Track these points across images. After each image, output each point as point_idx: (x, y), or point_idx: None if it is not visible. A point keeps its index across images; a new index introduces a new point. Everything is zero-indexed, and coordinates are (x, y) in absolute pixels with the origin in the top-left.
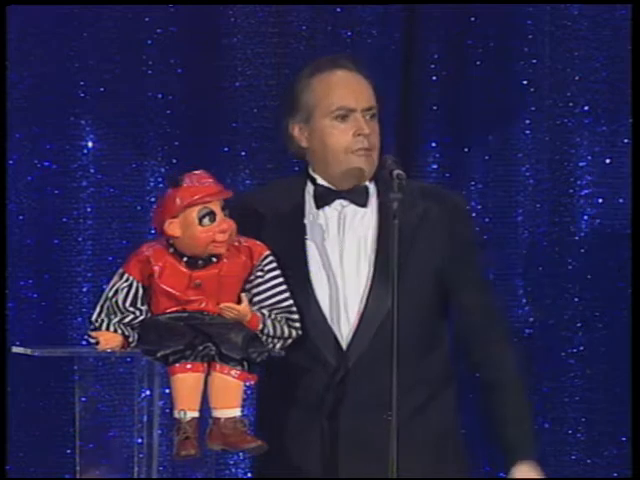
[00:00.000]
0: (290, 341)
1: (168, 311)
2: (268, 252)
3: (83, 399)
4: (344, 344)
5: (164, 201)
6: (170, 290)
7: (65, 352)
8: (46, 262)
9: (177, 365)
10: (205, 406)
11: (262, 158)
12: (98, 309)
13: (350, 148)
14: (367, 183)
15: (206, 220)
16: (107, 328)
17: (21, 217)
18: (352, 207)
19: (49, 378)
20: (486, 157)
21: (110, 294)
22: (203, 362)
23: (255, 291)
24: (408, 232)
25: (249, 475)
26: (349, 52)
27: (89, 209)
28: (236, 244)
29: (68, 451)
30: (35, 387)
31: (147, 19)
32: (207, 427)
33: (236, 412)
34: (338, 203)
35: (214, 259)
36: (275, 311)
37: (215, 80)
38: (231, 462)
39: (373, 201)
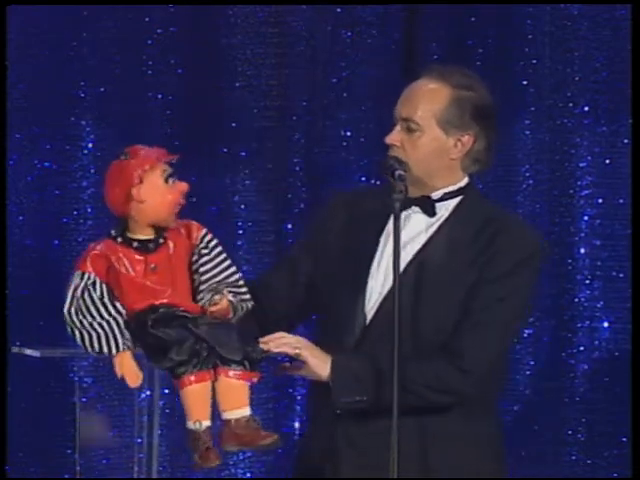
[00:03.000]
0: (241, 315)
1: (143, 304)
2: (205, 230)
3: (83, 399)
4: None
5: (119, 174)
6: (133, 278)
7: (65, 352)
8: (46, 262)
9: (184, 378)
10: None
11: (262, 158)
12: (74, 313)
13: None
14: (436, 195)
15: (170, 180)
16: (117, 350)
17: (21, 217)
18: (419, 215)
19: (49, 378)
20: None
21: (78, 293)
22: (209, 369)
23: (203, 269)
24: (457, 248)
25: (248, 475)
26: (348, 51)
27: (89, 209)
28: (173, 226)
29: (68, 451)
30: (35, 387)
31: (147, 19)
32: (218, 430)
33: (246, 411)
34: (412, 209)
35: (161, 240)
36: (224, 286)
37: (215, 80)
38: (231, 462)
39: (447, 214)
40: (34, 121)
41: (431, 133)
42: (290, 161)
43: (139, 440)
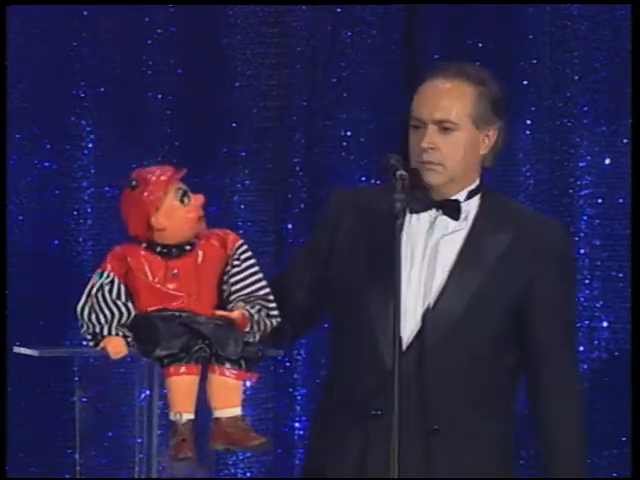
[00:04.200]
0: (268, 331)
1: (154, 308)
2: (241, 241)
3: (83, 399)
4: (404, 345)
5: (134, 206)
6: (150, 282)
7: (65, 352)
8: (46, 262)
9: (172, 368)
10: (205, 409)
11: (262, 158)
12: (87, 311)
13: (417, 159)
14: (461, 196)
15: (186, 200)
16: (109, 332)
17: (21, 217)
18: (444, 218)
19: (49, 378)
20: None
21: (93, 291)
22: (197, 364)
23: (232, 280)
24: (490, 260)
25: (248, 475)
26: (348, 51)
27: (89, 209)
28: (208, 233)
29: (68, 451)
30: (35, 387)
31: (147, 19)
32: (209, 429)
33: (237, 411)
34: (433, 211)
35: (187, 247)
36: (252, 301)
37: (215, 80)
38: (230, 462)
39: (471, 214)
40: (34, 121)
41: (466, 130)
42: (290, 161)
43: (139, 440)
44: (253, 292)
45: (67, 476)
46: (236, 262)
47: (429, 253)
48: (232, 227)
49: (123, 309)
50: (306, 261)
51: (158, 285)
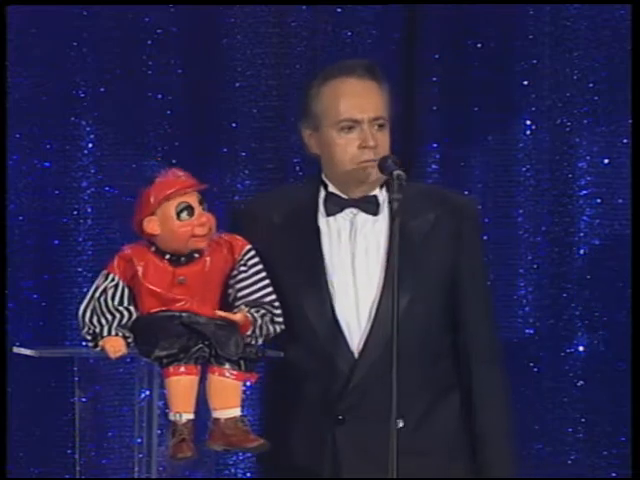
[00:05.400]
0: (271, 337)
1: (157, 310)
2: (249, 246)
3: (83, 399)
4: (356, 352)
5: (140, 200)
6: (154, 288)
7: (65, 352)
8: (46, 262)
9: (171, 368)
10: (205, 409)
11: (262, 158)
12: (89, 313)
13: (356, 160)
14: (377, 191)
15: (184, 214)
16: (109, 333)
17: (21, 217)
18: (363, 215)
19: (49, 378)
20: (486, 157)
21: (97, 294)
22: (197, 364)
23: (239, 286)
24: (419, 239)
25: (248, 475)
26: (348, 51)
27: (89, 209)
28: (216, 239)
29: (68, 451)
30: (35, 387)
31: (147, 19)
32: (208, 429)
33: (236, 412)
34: (349, 211)
35: (196, 255)
36: (258, 306)
37: (215, 80)
38: (231, 462)
39: (385, 208)
40: (34, 121)
41: (388, 125)
42: (290, 161)
43: (139, 440)
44: (260, 298)
45: (67, 476)
46: (243, 267)
47: (357, 255)
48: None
49: (125, 312)
50: None
51: (163, 292)
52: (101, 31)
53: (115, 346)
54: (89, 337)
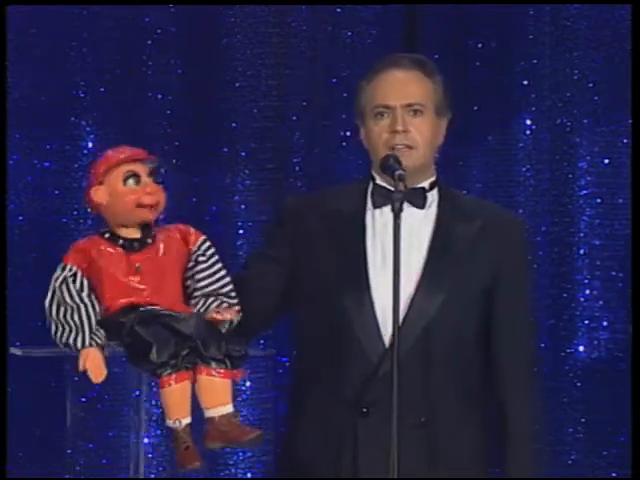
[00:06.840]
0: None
1: (123, 302)
2: (204, 237)
3: (83, 399)
4: (387, 342)
5: (89, 172)
6: (113, 275)
7: (64, 352)
8: (46, 262)
9: (164, 378)
10: (197, 410)
11: (262, 158)
12: (54, 308)
13: (388, 144)
14: (426, 184)
15: (130, 181)
16: (83, 344)
17: (21, 217)
18: (410, 208)
19: (49, 378)
20: (486, 157)
21: (57, 284)
22: (188, 369)
23: (198, 277)
24: (463, 243)
25: (248, 475)
26: (348, 51)
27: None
28: (170, 227)
29: (68, 451)
30: (35, 387)
31: (147, 19)
32: (202, 430)
33: (229, 408)
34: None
35: (149, 240)
36: (215, 297)
37: (215, 80)
38: (231, 462)
39: (434, 204)
40: (34, 121)
41: (430, 115)
42: (290, 161)
43: (139, 440)
44: (218, 289)
45: (67, 476)
46: (202, 258)
47: (402, 247)
48: (232, 227)
49: (87, 301)
50: (265, 271)
51: (122, 278)
52: (101, 31)
53: (96, 370)
54: (62, 341)
